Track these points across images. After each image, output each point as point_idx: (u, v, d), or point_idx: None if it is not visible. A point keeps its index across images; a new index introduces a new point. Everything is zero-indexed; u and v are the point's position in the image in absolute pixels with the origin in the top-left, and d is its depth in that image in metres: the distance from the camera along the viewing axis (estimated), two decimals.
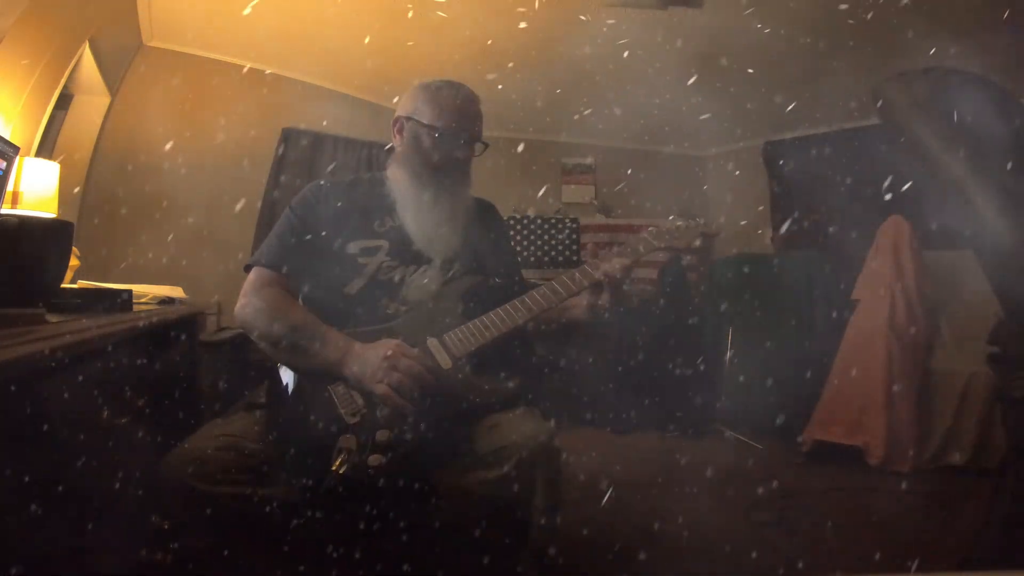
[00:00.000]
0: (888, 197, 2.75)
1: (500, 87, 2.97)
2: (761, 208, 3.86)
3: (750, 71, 2.78)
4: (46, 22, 1.79)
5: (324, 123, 3.23)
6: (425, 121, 1.11)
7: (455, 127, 1.10)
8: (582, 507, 1.87)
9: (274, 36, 2.71)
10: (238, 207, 2.91)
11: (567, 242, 3.82)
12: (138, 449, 1.06)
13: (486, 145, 1.15)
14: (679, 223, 1.17)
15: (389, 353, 0.95)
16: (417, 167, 1.12)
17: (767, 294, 3.08)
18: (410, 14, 2.48)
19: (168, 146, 2.70)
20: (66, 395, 0.83)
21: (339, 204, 1.11)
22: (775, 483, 2.25)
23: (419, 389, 0.94)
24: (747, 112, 3.36)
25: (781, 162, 3.79)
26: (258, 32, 2.68)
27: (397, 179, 1.14)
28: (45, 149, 2.21)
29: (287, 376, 1.01)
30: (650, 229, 1.16)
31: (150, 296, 1.74)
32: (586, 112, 3.45)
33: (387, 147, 1.21)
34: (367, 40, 2.71)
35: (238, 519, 0.87)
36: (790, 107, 3.04)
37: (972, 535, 1.51)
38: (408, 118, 1.13)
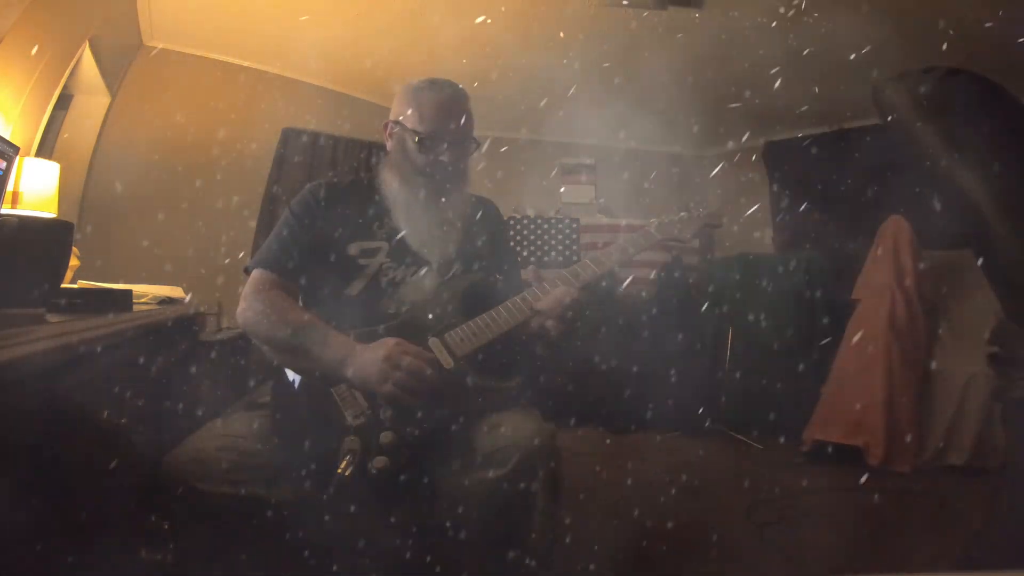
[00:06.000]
0: (888, 197, 2.76)
1: (500, 86, 2.96)
2: (761, 208, 3.86)
3: (750, 71, 2.78)
4: (46, 22, 1.79)
5: (324, 123, 3.23)
6: (408, 126, 1.09)
7: (438, 131, 1.07)
8: (582, 507, 1.87)
9: (274, 36, 2.71)
10: (238, 207, 2.91)
11: (567, 242, 3.81)
12: (138, 449, 1.06)
13: (478, 144, 1.13)
14: (682, 214, 1.17)
15: (390, 352, 0.94)
16: (405, 172, 1.11)
17: (767, 294, 3.08)
18: (411, 13, 2.48)
19: (167, 146, 2.70)
20: (66, 395, 0.83)
21: (338, 205, 1.11)
22: (775, 483, 2.25)
23: (424, 385, 0.94)
24: (747, 112, 3.36)
25: (781, 162, 3.79)
26: (258, 32, 2.68)
27: (388, 183, 1.13)
28: (45, 149, 2.20)
29: (292, 377, 1.01)
30: (652, 221, 1.15)
31: (150, 296, 1.73)
32: (586, 112, 3.45)
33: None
34: (367, 39, 2.71)
35: (238, 519, 0.87)
36: (790, 107, 3.04)
37: (972, 535, 1.51)
38: (395, 122, 1.12)
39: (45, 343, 0.73)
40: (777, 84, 2.74)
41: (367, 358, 0.95)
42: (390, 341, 0.97)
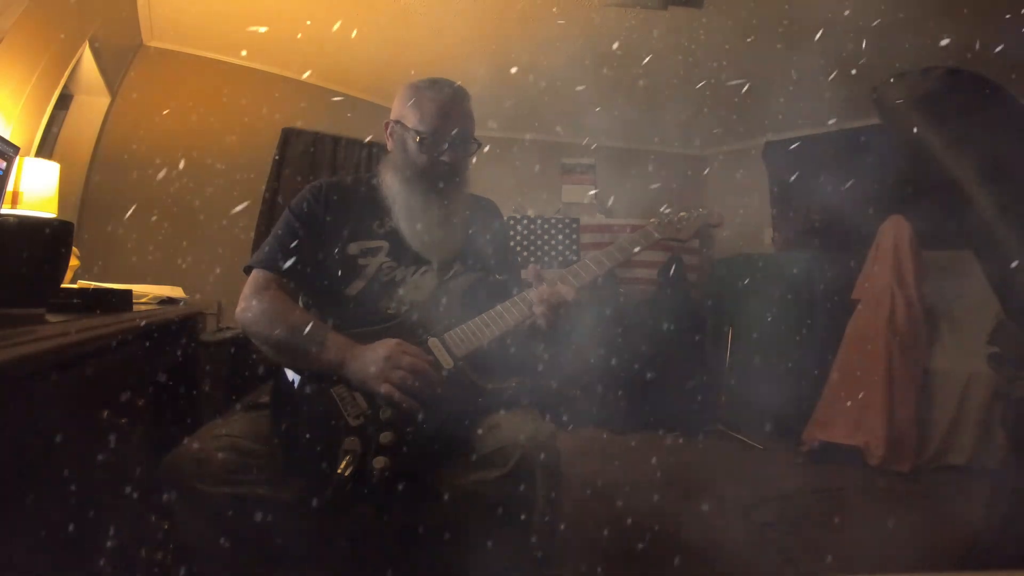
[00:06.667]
0: (888, 197, 2.76)
1: (501, 87, 2.97)
2: (761, 208, 3.87)
3: (750, 71, 2.78)
4: (46, 22, 1.79)
5: (324, 123, 3.23)
6: (409, 125, 1.08)
7: (439, 130, 1.07)
8: (582, 507, 1.87)
9: (274, 36, 2.71)
10: (238, 207, 2.91)
11: (567, 242, 3.82)
12: (138, 449, 1.06)
13: (479, 144, 1.12)
14: (681, 213, 1.16)
15: (390, 352, 0.95)
16: (405, 172, 1.10)
17: (767, 294, 3.08)
18: (411, 13, 2.48)
19: (168, 146, 2.70)
20: (66, 395, 0.83)
21: (339, 205, 1.11)
22: (775, 483, 2.25)
23: (424, 384, 0.94)
24: (747, 112, 3.36)
25: (781, 162, 3.79)
26: (258, 32, 2.68)
27: (388, 183, 1.13)
28: (45, 149, 2.20)
29: (292, 376, 1.01)
30: (652, 221, 1.15)
31: (150, 296, 1.74)
32: (586, 112, 3.45)
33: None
34: (367, 39, 2.71)
35: (238, 519, 0.87)
36: (790, 107, 3.04)
37: (972, 535, 1.51)
38: (396, 122, 1.12)
39: (45, 343, 0.73)
40: (777, 83, 2.74)
41: (367, 358, 0.95)
42: (391, 341, 0.97)
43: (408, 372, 0.93)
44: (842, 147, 3.35)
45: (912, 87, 1.33)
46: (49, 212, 1.74)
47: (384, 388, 0.93)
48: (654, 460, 2.59)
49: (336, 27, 2.63)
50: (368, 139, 3.33)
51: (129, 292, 1.35)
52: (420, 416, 0.93)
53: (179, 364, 1.53)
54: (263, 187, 3.10)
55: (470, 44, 2.70)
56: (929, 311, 2.67)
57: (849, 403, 2.58)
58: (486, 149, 1.16)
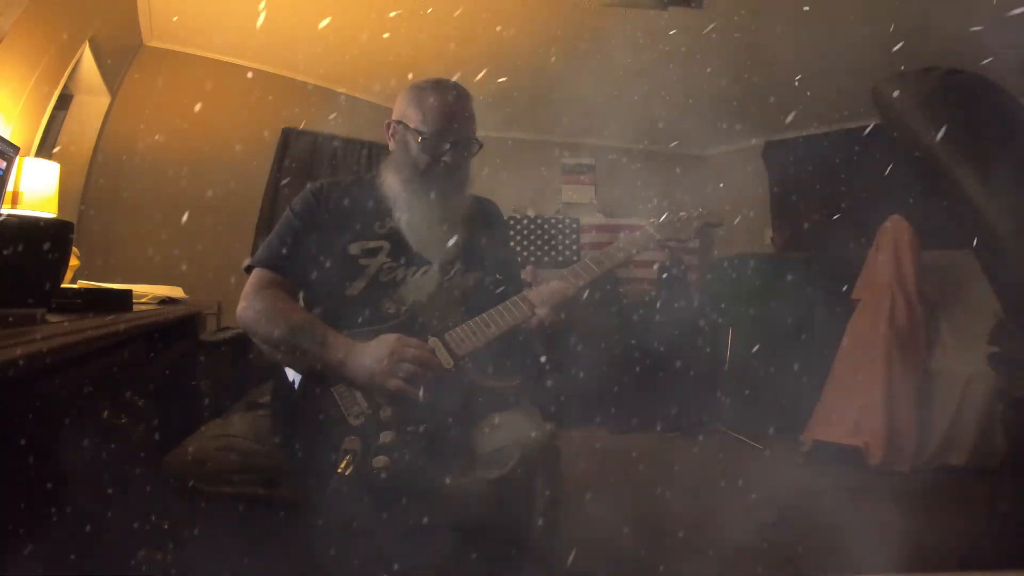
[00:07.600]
0: (888, 197, 2.76)
1: (501, 87, 2.96)
2: (761, 208, 3.87)
3: (750, 71, 2.78)
4: (46, 22, 1.79)
5: (324, 123, 3.23)
6: (411, 125, 1.08)
7: (441, 131, 1.07)
8: (581, 507, 1.87)
9: (274, 36, 2.71)
10: (238, 207, 2.91)
11: (567, 242, 3.81)
12: (138, 449, 1.06)
13: (480, 145, 1.12)
14: (681, 214, 1.16)
15: (393, 348, 0.94)
16: (407, 172, 1.10)
17: (767, 294, 3.08)
18: (412, 14, 2.48)
19: (168, 146, 2.70)
20: (66, 395, 0.83)
21: (340, 205, 1.11)
22: (775, 483, 2.25)
23: (431, 376, 0.93)
24: (747, 112, 3.36)
25: (781, 162, 3.79)
26: (258, 32, 2.68)
27: (390, 183, 1.13)
28: (45, 149, 2.20)
29: (292, 376, 1.01)
30: (652, 221, 1.15)
31: (150, 296, 1.74)
32: (586, 112, 3.45)
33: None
34: (366, 40, 2.71)
35: (238, 519, 0.88)
36: (790, 107, 3.04)
37: (972, 535, 1.51)
38: (398, 122, 1.12)
39: (45, 343, 0.73)
40: (777, 83, 2.75)
41: (369, 355, 0.95)
42: (390, 336, 0.97)
43: (414, 364, 0.93)
44: (842, 147, 3.35)
45: (912, 87, 1.34)
46: (49, 212, 1.74)
47: (393, 384, 0.93)
48: (654, 460, 2.59)
49: (336, 27, 2.63)
50: (368, 139, 3.33)
51: (129, 292, 1.35)
52: (420, 415, 0.93)
53: (179, 364, 1.53)
54: (263, 187, 3.09)
55: (472, 44, 2.70)
56: (929, 311, 2.67)
57: (849, 403, 2.58)
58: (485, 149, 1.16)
